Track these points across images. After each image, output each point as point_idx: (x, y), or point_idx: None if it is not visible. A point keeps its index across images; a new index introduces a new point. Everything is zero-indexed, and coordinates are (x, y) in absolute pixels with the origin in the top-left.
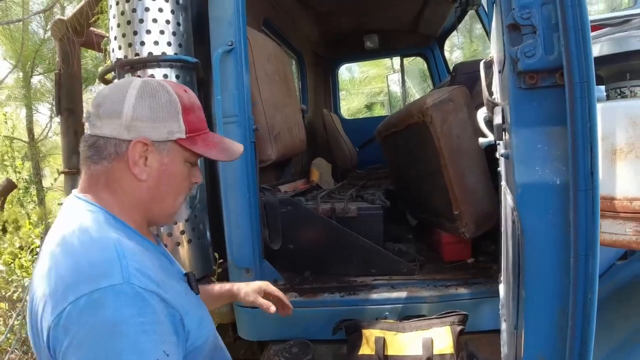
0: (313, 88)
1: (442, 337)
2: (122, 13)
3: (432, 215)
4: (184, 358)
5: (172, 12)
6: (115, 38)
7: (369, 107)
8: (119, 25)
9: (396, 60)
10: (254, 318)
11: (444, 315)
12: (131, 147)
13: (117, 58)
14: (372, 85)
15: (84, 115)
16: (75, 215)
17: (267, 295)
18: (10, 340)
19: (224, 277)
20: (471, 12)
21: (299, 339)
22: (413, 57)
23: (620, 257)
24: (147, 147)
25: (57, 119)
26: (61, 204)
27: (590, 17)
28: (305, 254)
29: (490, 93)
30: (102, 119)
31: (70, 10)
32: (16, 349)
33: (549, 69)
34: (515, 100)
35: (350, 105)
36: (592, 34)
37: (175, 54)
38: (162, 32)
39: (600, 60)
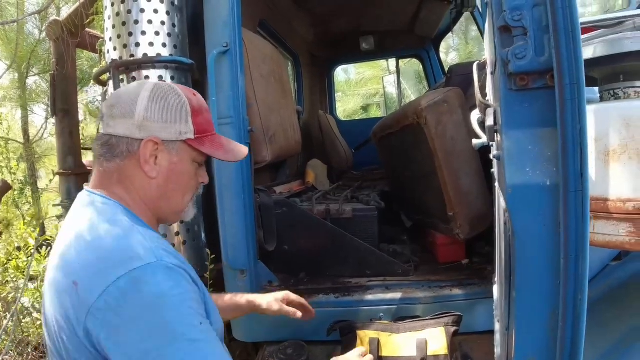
0: (309, 89)
1: (437, 338)
2: (118, 14)
3: (426, 216)
4: None
5: (167, 13)
6: (111, 39)
7: (365, 108)
8: (114, 27)
9: (392, 61)
10: (248, 319)
11: (439, 316)
12: (143, 145)
13: (112, 59)
14: (368, 87)
15: (98, 115)
16: (92, 207)
17: (290, 303)
18: (4, 342)
19: (219, 279)
20: (466, 14)
21: (294, 340)
22: (409, 59)
23: (614, 258)
24: (157, 146)
25: (52, 120)
26: (56, 205)
27: (584, 19)
28: (300, 255)
29: (484, 95)
30: (115, 119)
31: (65, 12)
32: (11, 350)
33: (540, 71)
34: (506, 102)
35: (346, 106)
36: (586, 35)
37: (171, 55)
38: (157, 33)
39: (594, 62)
